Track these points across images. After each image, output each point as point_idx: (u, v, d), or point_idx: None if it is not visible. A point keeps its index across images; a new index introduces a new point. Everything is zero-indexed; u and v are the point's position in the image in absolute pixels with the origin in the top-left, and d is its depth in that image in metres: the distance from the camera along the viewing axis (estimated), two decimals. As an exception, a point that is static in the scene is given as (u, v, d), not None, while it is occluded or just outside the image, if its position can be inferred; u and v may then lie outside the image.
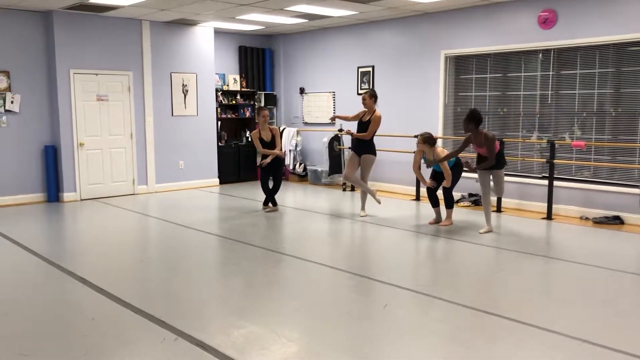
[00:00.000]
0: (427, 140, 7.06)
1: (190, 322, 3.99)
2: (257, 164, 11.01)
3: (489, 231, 6.78)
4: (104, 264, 5.62)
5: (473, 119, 6.55)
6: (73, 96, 9.07)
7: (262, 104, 11.72)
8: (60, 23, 8.84)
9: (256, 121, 10.51)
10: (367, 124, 7.54)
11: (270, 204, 8.23)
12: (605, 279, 5.10)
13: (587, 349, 3.55)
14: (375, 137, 7.64)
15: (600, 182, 7.63)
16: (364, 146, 7.61)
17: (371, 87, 10.14)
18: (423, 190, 9.03)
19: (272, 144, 8.08)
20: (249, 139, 11.44)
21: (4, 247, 6.24)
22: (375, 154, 7.70)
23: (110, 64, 9.41)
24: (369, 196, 7.90)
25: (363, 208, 7.85)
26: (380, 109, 10.23)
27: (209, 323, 4.01)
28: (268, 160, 8.02)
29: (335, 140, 10.54)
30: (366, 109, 7.64)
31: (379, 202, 7.83)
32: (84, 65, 9.15)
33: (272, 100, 11.99)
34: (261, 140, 8.05)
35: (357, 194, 9.86)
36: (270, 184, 8.26)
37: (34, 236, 6.85)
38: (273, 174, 8.22)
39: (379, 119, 7.53)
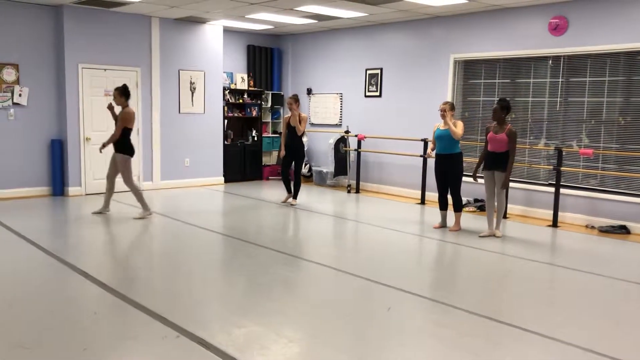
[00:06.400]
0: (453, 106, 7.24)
1: (192, 319, 3.98)
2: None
3: (492, 235, 6.74)
4: (107, 259, 5.62)
5: (505, 107, 6.67)
6: (81, 91, 9.09)
7: (270, 103, 11.82)
8: (70, 17, 8.86)
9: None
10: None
11: (291, 198, 8.75)
12: (610, 288, 5.06)
13: (591, 358, 3.51)
14: (380, 140, 7.60)
15: (607, 190, 7.58)
16: (118, 145, 7.35)
17: (379, 89, 10.13)
18: (428, 194, 9.01)
19: (295, 128, 8.61)
20: (255, 138, 11.46)
21: (9, 240, 6.25)
22: (129, 154, 7.38)
23: (118, 59, 9.43)
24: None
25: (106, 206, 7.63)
26: (387, 111, 10.21)
27: (211, 321, 4.00)
28: (282, 152, 8.66)
29: (342, 141, 10.52)
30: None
31: (143, 218, 7.40)
32: (93, 60, 9.16)
33: (279, 100, 11.98)
34: (288, 125, 8.60)
35: (361, 196, 9.83)
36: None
37: (39, 229, 6.84)
38: (294, 163, 8.71)
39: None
